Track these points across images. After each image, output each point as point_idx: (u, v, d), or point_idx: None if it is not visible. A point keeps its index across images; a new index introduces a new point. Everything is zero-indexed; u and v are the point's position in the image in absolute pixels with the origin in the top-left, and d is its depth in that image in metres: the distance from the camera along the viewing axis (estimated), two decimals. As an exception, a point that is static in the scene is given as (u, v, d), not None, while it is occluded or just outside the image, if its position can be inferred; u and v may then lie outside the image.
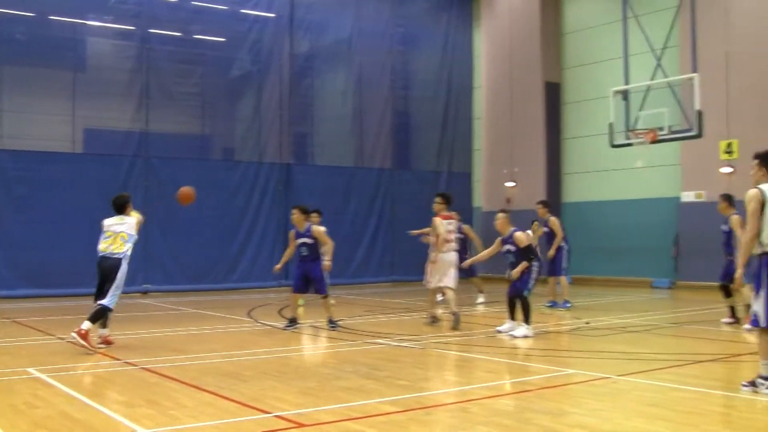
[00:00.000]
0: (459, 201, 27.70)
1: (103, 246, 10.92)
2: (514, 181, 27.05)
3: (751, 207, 7.61)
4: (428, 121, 27.77)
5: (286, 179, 23.92)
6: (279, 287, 21.55)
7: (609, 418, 6.81)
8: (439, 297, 14.36)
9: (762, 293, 7.53)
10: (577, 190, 26.09)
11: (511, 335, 12.00)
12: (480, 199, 28.48)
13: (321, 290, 13.20)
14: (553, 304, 16.66)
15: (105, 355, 10.38)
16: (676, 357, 10.20)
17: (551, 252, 16.64)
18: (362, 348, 11.30)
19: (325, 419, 6.64)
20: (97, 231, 11.37)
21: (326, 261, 13.18)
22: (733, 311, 13.56)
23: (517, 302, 12.22)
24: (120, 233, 10.99)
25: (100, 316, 10.73)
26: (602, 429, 6.33)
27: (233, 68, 24.37)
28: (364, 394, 7.76)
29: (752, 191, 7.69)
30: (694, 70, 18.83)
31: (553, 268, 16.70)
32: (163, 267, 21.66)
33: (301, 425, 6.45)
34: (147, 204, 21.25)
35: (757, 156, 7.97)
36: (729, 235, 13.31)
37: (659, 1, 22.92)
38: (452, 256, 13.59)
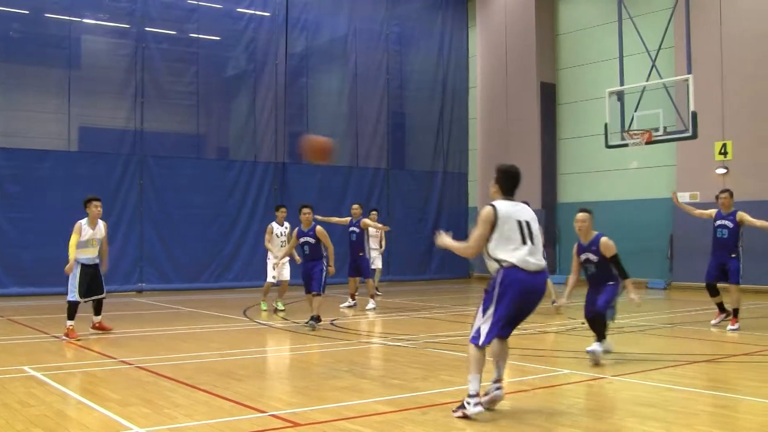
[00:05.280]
0: (454, 201, 27.92)
1: (92, 253, 12.03)
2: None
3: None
4: (424, 121, 27.76)
5: (281, 179, 23.89)
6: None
7: (603, 418, 6.81)
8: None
9: (490, 311, 6.73)
10: (572, 190, 26.11)
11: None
12: (476, 200, 28.46)
13: (314, 287, 13.19)
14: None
15: (99, 353, 10.37)
16: (670, 357, 10.20)
17: None
18: (357, 347, 11.28)
19: (320, 418, 6.61)
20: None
21: (330, 268, 13.34)
22: (721, 307, 13.40)
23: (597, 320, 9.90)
24: (91, 239, 11.98)
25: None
26: (597, 429, 6.32)
27: (228, 67, 24.40)
28: (358, 393, 7.74)
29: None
30: (689, 72, 18.83)
31: None
32: (158, 266, 21.63)
33: (296, 424, 6.43)
34: (142, 203, 21.37)
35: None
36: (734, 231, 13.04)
37: (654, 2, 22.95)
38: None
